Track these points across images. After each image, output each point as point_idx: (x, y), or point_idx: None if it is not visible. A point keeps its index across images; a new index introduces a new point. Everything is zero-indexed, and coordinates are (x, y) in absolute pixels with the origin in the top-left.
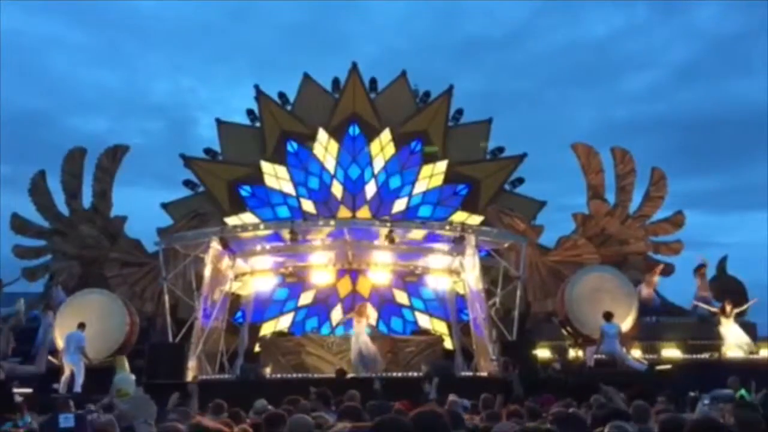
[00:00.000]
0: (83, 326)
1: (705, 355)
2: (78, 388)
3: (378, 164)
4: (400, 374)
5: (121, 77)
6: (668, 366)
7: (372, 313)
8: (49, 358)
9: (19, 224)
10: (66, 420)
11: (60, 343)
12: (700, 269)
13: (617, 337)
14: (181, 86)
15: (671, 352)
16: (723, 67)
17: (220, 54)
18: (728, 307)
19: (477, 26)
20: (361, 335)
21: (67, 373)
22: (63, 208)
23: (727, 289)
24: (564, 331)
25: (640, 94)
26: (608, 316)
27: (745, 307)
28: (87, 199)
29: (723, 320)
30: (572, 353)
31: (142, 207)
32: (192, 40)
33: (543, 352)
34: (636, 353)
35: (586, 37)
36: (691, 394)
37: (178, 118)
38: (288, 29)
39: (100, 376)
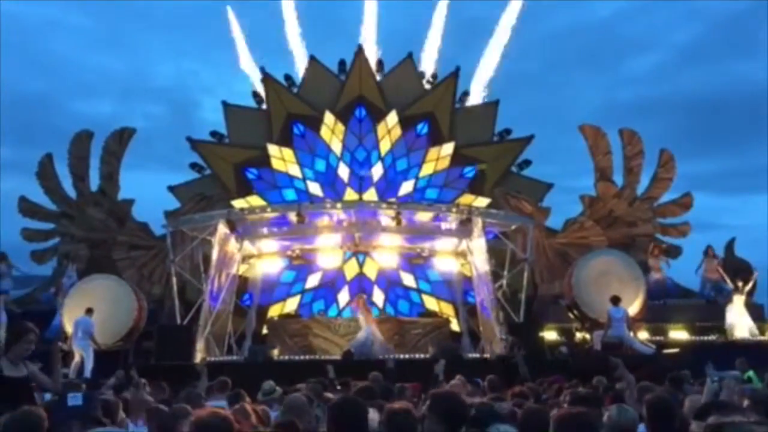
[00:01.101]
0: (91, 311)
1: (712, 337)
2: (88, 374)
3: (384, 146)
4: (408, 356)
5: (123, 60)
6: (676, 350)
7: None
8: (59, 344)
9: (27, 207)
10: (74, 399)
11: (69, 329)
12: (708, 251)
13: (624, 321)
14: (184, 69)
15: (678, 334)
16: (726, 48)
17: (221, 37)
18: (740, 284)
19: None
20: (363, 324)
21: (76, 358)
22: (70, 191)
23: (736, 270)
24: (571, 315)
25: (644, 76)
26: (615, 300)
27: (752, 283)
28: (94, 183)
29: (735, 299)
30: (579, 336)
31: (146, 190)
32: (193, 23)
33: (550, 334)
34: (643, 335)
35: (589, 19)
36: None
37: (181, 101)
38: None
39: (110, 361)
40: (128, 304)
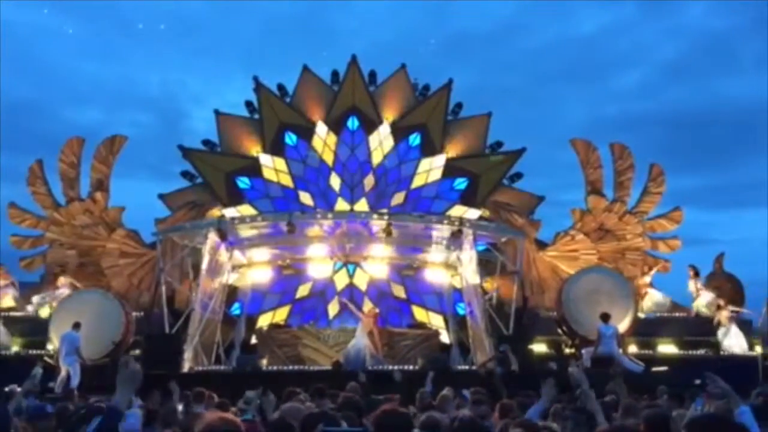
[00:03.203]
0: (78, 326)
1: (701, 352)
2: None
3: (377, 157)
4: (396, 367)
5: (111, 69)
6: (665, 368)
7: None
8: (45, 358)
9: (16, 213)
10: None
11: (55, 343)
12: (692, 270)
13: (614, 338)
14: (171, 79)
15: (667, 348)
16: (711, 65)
17: (208, 47)
18: (722, 302)
19: (465, 22)
20: (364, 337)
21: (63, 373)
22: (60, 198)
23: (724, 286)
24: (560, 331)
25: (629, 92)
26: (605, 318)
27: (739, 309)
28: (84, 189)
29: (722, 315)
30: (568, 351)
31: (133, 198)
32: (180, 33)
33: (539, 347)
34: (631, 349)
35: (574, 34)
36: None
37: (169, 110)
38: (276, 23)
39: (97, 374)
40: (116, 318)
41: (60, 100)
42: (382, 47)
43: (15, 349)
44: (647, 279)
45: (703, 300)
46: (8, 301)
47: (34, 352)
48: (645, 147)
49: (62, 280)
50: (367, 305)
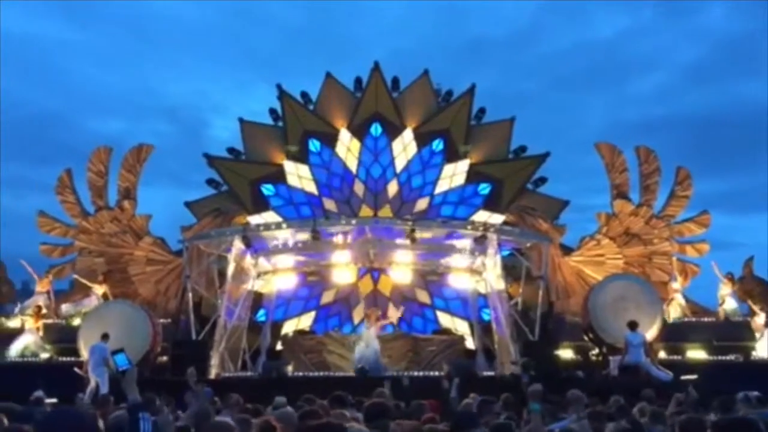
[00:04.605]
0: (107, 337)
1: (731, 357)
2: None
3: (400, 163)
4: (422, 373)
5: (133, 80)
6: (694, 376)
7: (393, 313)
8: (75, 369)
9: (45, 222)
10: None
11: (84, 354)
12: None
13: (642, 346)
14: (191, 89)
15: (696, 353)
16: (731, 68)
17: (228, 57)
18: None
19: (482, 27)
20: (372, 339)
21: (92, 384)
22: (88, 206)
23: (754, 290)
24: (586, 338)
25: (649, 96)
26: (633, 326)
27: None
28: (112, 198)
29: (755, 320)
30: (594, 354)
31: (156, 206)
32: (200, 44)
33: (566, 353)
34: (660, 354)
35: (593, 39)
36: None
37: (190, 120)
38: (294, 33)
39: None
40: (143, 329)
41: (83, 111)
42: (401, 54)
43: (45, 355)
44: (675, 284)
45: (728, 306)
46: None
47: (65, 359)
48: (666, 151)
49: (97, 287)
50: (391, 312)
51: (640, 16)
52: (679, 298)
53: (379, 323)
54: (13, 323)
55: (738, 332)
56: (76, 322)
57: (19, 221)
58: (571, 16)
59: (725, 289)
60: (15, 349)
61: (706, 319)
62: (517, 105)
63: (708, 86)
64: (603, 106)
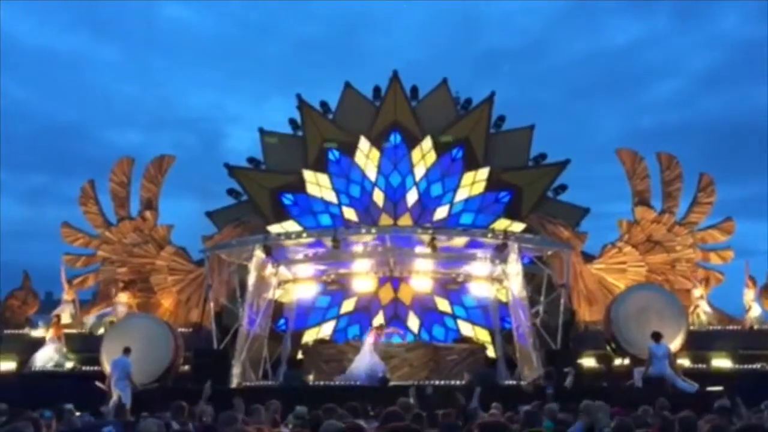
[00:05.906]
0: (129, 351)
1: (757, 366)
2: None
3: (419, 172)
4: (443, 382)
5: (150, 92)
6: (719, 387)
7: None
8: (97, 383)
9: (69, 233)
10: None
11: (107, 368)
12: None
13: (666, 358)
14: (209, 100)
15: (721, 362)
16: (747, 74)
17: (245, 69)
18: None
19: (497, 38)
20: (372, 352)
21: (114, 398)
22: (111, 217)
23: None
24: (608, 348)
25: (665, 103)
26: (657, 337)
27: None
28: (134, 208)
29: None
30: (618, 362)
31: (175, 216)
32: (217, 56)
33: (588, 361)
34: (684, 363)
35: (607, 47)
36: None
37: (207, 131)
38: (310, 45)
39: (148, 398)
40: (165, 342)
41: (102, 123)
42: (417, 66)
43: (69, 365)
44: (698, 292)
45: (753, 313)
46: (65, 317)
47: (88, 368)
48: (683, 158)
49: (122, 296)
50: (412, 320)
51: (653, 24)
52: (704, 306)
53: (373, 333)
54: (38, 333)
55: (764, 340)
56: (100, 331)
57: (41, 232)
58: (584, 26)
59: (750, 294)
60: (39, 359)
61: (731, 327)
62: (533, 114)
63: (724, 92)
64: (619, 114)
